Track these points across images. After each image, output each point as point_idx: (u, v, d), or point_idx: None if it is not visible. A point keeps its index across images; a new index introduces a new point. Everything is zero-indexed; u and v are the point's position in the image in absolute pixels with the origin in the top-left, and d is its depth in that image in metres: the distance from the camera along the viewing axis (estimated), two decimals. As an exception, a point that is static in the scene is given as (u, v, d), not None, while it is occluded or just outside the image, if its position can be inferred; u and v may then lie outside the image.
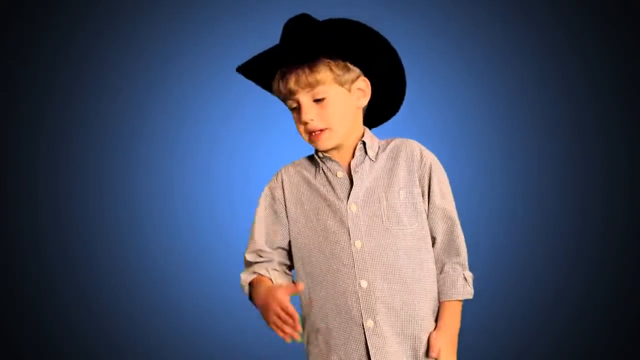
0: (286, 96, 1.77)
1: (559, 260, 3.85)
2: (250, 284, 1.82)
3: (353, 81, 1.79)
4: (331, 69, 1.74)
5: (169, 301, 3.50)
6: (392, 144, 1.89)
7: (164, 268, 3.88)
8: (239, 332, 3.22)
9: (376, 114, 1.94)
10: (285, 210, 1.84)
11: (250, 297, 1.84)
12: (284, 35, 1.74)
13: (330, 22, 1.77)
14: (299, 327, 1.65)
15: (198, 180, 4.42)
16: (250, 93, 2.94)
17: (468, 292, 1.81)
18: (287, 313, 1.61)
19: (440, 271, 1.81)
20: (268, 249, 1.86)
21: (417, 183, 1.83)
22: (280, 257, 1.87)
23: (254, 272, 1.84)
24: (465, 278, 1.81)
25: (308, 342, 1.83)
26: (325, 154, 1.82)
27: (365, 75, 1.81)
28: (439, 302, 1.79)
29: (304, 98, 1.74)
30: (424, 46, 4.38)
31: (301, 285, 1.71)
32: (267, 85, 1.86)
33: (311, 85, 1.73)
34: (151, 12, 4.40)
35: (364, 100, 1.84)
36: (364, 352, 1.71)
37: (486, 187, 4.39)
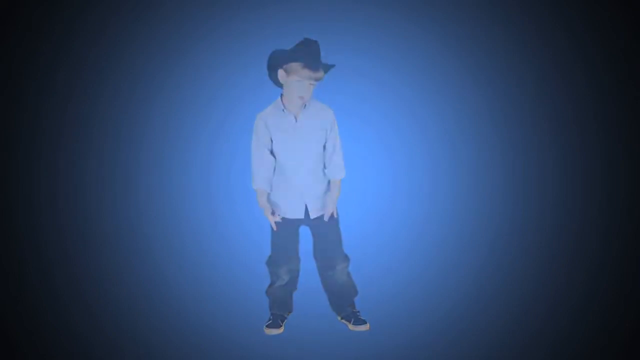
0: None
1: (559, 260, 3.85)
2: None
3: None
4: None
5: (169, 301, 3.51)
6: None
7: (164, 268, 3.88)
8: (239, 331, 3.23)
9: None
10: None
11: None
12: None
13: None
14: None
15: (198, 180, 4.42)
16: (250, 94, 2.95)
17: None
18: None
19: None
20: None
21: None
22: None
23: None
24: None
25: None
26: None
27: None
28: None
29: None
30: (424, 46, 4.39)
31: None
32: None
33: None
34: (151, 13, 4.40)
35: None
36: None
37: (486, 187, 4.40)
